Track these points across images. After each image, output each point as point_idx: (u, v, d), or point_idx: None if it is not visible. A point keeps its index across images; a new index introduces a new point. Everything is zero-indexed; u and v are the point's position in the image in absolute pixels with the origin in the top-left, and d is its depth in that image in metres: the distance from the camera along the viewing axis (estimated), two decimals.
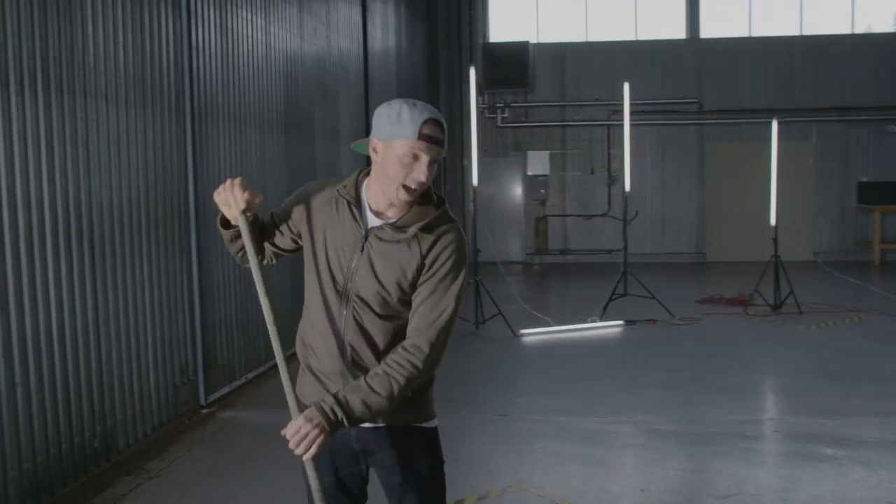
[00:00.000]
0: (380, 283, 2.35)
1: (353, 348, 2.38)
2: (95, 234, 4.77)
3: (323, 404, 2.25)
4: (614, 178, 15.88)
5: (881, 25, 15.96)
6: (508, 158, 16.13)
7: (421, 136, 2.20)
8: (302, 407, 2.34)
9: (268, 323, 2.45)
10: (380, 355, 2.37)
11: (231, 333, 6.58)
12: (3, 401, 3.98)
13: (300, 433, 2.22)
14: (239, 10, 6.76)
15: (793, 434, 5.44)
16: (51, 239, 4.35)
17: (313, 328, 2.46)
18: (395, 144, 2.24)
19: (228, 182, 2.35)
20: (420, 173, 2.22)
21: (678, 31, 15.91)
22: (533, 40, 15.87)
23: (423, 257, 2.31)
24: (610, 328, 9.25)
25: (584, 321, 9.38)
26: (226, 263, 6.48)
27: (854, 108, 15.45)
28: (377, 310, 2.36)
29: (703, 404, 6.14)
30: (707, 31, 15.82)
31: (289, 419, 2.31)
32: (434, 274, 2.32)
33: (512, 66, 15.37)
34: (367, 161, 2.38)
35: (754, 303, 10.28)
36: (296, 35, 8.18)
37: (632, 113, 10.87)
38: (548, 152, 15.89)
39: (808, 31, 15.62)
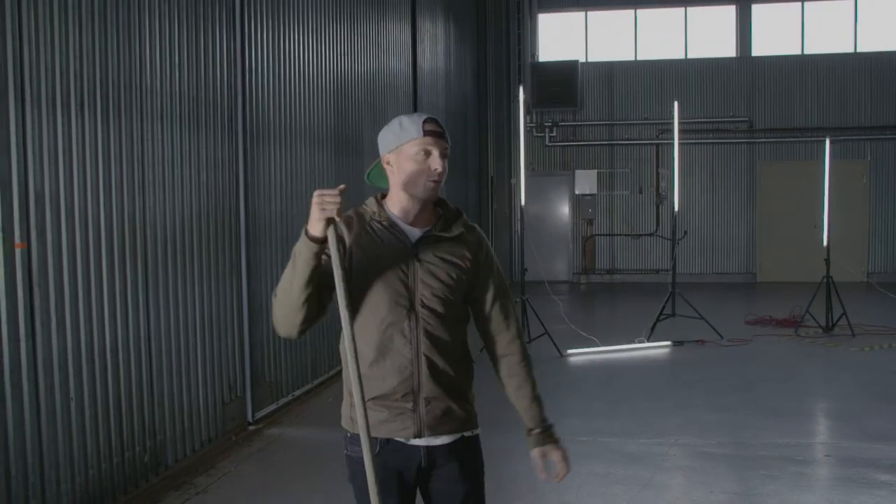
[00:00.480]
0: (442, 282, 2.45)
1: (427, 359, 2.44)
2: (149, 251, 4.87)
3: (553, 434, 2.73)
4: (662, 198, 15.77)
5: None
6: (556, 177, 16.10)
7: (425, 133, 2.40)
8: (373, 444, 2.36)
9: (355, 394, 2.27)
10: (452, 358, 2.48)
11: (278, 351, 6.65)
12: (58, 414, 4.08)
13: (567, 460, 2.74)
14: (291, 33, 6.88)
15: (845, 458, 5.32)
16: (106, 256, 4.46)
17: (375, 353, 2.43)
18: (405, 148, 2.42)
19: (329, 189, 2.25)
20: (436, 163, 2.41)
21: (729, 50, 15.77)
22: (582, 59, 15.86)
23: (473, 249, 2.51)
24: (657, 349, 9.15)
25: (632, 341, 9.30)
26: (273, 280, 6.57)
27: None
28: (443, 313, 2.45)
29: (753, 427, 6.03)
30: (759, 49, 15.65)
31: (333, 440, 2.39)
32: (491, 266, 2.56)
33: (560, 85, 15.38)
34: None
35: (805, 324, 10.10)
36: (346, 55, 8.29)
37: (681, 132, 10.80)
38: (595, 171, 15.85)
39: (861, 49, 15.37)
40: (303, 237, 2.26)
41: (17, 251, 3.85)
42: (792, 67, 15.46)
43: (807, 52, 15.53)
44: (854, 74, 15.27)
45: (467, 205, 14.28)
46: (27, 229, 3.90)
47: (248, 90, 6.10)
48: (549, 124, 15.95)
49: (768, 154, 15.64)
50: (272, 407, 6.44)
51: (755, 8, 15.61)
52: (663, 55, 15.82)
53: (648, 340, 9.34)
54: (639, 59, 15.97)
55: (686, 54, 15.84)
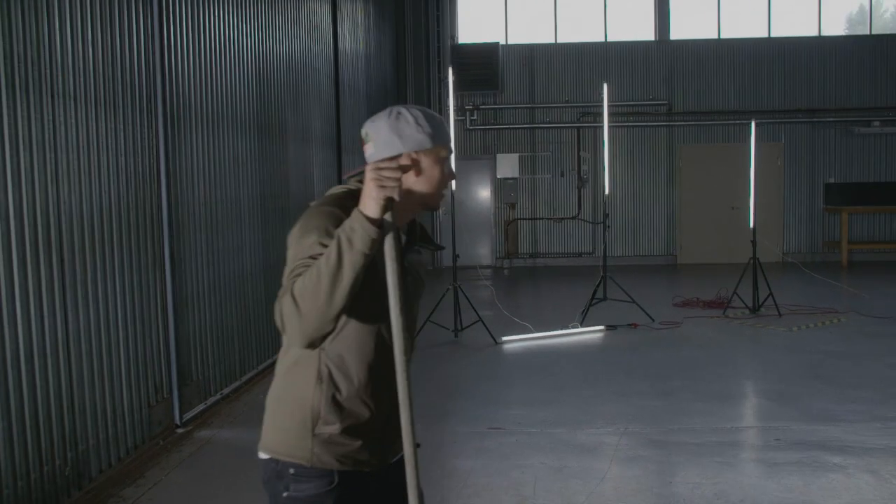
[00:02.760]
0: (418, 295, 2.30)
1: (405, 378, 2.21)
2: (64, 244, 4.44)
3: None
4: (584, 181, 15.78)
5: (837, 29, 16.06)
6: (477, 161, 15.92)
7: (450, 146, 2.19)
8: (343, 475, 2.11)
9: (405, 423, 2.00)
10: None
11: (205, 347, 6.26)
12: None
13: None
14: (211, 7, 6.44)
15: (796, 442, 5.28)
16: (16, 252, 4.02)
17: (367, 373, 2.11)
18: (437, 151, 2.14)
19: (387, 163, 1.93)
20: (452, 170, 2.21)
21: (648, 33, 15.84)
22: (502, 41, 15.69)
23: (424, 261, 2.39)
24: (592, 333, 9.07)
25: (565, 326, 9.19)
26: (199, 272, 6.17)
27: (821, 110, 15.52)
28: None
29: (699, 412, 5.95)
30: (677, 33, 15.77)
31: None
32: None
33: (481, 68, 15.17)
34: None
35: (733, 305, 10.19)
36: (267, 34, 7.88)
37: (602, 116, 10.71)
38: (517, 155, 15.74)
39: (775, 34, 15.65)
40: (359, 220, 1.86)
41: None
42: (709, 51, 15.63)
43: (723, 36, 15.72)
44: (768, 59, 15.53)
45: None
46: None
47: (167, 69, 5.66)
48: (470, 107, 15.74)
49: (687, 137, 15.80)
50: (201, 407, 6.05)
51: None
52: (584, 38, 15.78)
53: (582, 325, 9.25)
54: (559, 41, 15.90)
55: (606, 37, 15.84)
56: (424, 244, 2.29)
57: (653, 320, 9.51)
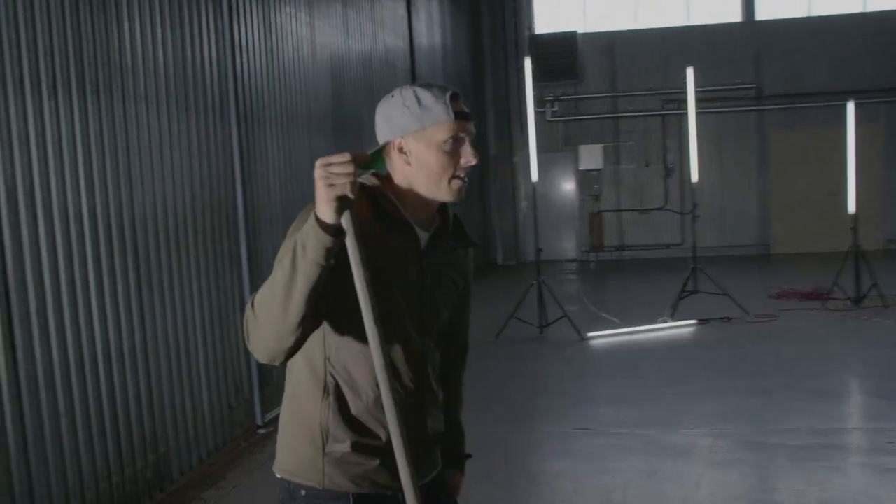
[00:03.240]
0: (447, 302, 2.00)
1: (428, 385, 1.97)
2: (140, 246, 4.41)
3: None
4: (671, 170, 15.30)
5: None
6: (559, 153, 15.60)
7: (457, 116, 1.83)
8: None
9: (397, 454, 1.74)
10: (438, 385, 2.02)
11: None
12: (46, 434, 3.63)
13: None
14: (282, 5, 6.38)
15: None
16: (91, 253, 4.00)
17: (374, 389, 1.84)
18: (429, 133, 1.83)
19: (337, 156, 1.61)
20: (470, 155, 1.85)
21: (734, 14, 15.24)
22: (580, 30, 15.32)
23: (468, 268, 2.09)
24: (682, 328, 8.71)
25: (654, 321, 8.85)
26: None
27: None
28: (435, 334, 2.00)
29: (800, 412, 5.59)
30: (764, 12, 15.13)
31: None
32: (470, 288, 2.12)
33: (560, 58, 14.83)
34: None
35: (833, 297, 9.65)
36: (341, 31, 7.80)
37: (687, 102, 10.29)
38: (600, 145, 15.35)
39: (871, 7, 14.85)
40: (312, 225, 1.61)
41: None
42: (800, 30, 14.93)
43: (814, 13, 15.01)
44: (865, 35, 14.74)
45: (469, 185, 13.80)
46: None
47: (238, 69, 5.61)
48: (550, 98, 15.42)
49: (779, 121, 15.14)
50: None
51: None
52: (665, 22, 15.28)
53: (672, 319, 8.90)
54: (640, 27, 15.44)
55: (689, 20, 15.31)
56: (456, 241, 1.99)
57: (747, 313, 9.08)
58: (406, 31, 10.47)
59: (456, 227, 1.99)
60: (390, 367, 1.73)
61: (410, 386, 1.90)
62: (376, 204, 1.85)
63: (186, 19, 5.01)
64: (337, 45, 7.63)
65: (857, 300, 9.41)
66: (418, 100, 1.82)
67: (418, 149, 1.83)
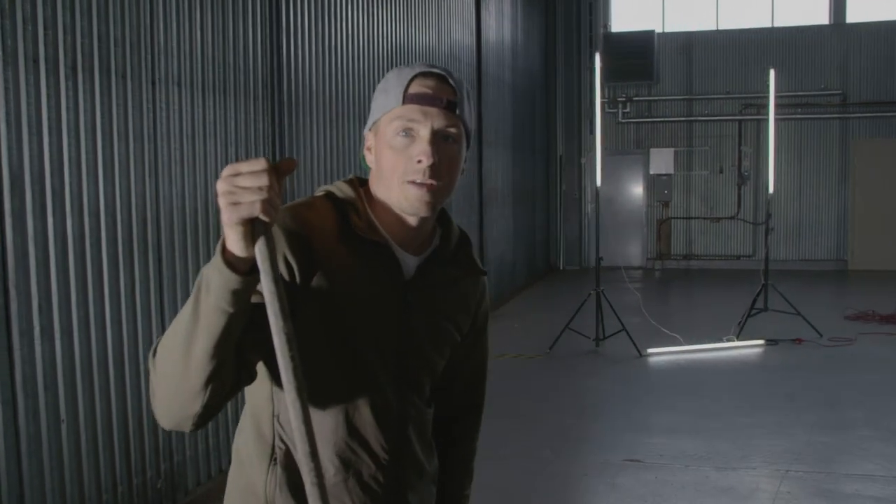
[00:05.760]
0: (438, 345, 1.56)
1: (408, 456, 1.54)
2: (163, 242, 4.13)
3: None
4: (745, 178, 14.62)
5: None
6: (629, 156, 15.04)
7: (407, 99, 1.40)
8: None
9: None
10: (430, 452, 1.62)
11: None
12: (44, 441, 3.37)
13: None
14: None
15: None
16: (108, 249, 3.73)
17: (337, 460, 1.46)
18: (381, 126, 1.44)
19: (248, 164, 1.14)
20: (419, 152, 1.39)
21: (821, 17, 14.46)
22: (658, 29, 14.72)
23: (476, 303, 1.62)
24: (749, 348, 8.15)
25: (719, 339, 8.31)
26: None
27: None
28: (427, 388, 1.57)
29: (880, 455, 5.04)
30: (854, 15, 14.30)
31: None
32: (485, 328, 1.69)
33: (635, 58, 14.26)
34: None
35: None
36: (403, 20, 7.46)
37: (767, 106, 9.68)
38: (672, 150, 14.73)
39: None
40: (216, 259, 1.19)
41: None
42: (892, 35, 14.07)
43: None
44: None
45: (534, 187, 13.41)
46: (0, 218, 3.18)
47: (284, 54, 5.31)
48: (623, 99, 14.86)
49: (864, 130, 14.31)
50: None
51: None
52: (747, 24, 14.58)
53: (738, 338, 8.35)
54: (720, 27, 14.76)
55: (773, 22, 14.58)
56: (457, 269, 1.56)
57: (820, 335, 8.47)
58: (474, 25, 10.10)
59: (458, 252, 1.57)
60: (343, 442, 1.38)
61: (383, 457, 1.48)
62: (345, 220, 1.43)
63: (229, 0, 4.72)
64: (397, 35, 7.30)
65: None
66: (386, 83, 1.44)
67: (377, 146, 1.44)
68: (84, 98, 3.59)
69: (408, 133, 1.40)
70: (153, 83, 4.06)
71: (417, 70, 1.42)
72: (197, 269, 4.39)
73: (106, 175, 3.72)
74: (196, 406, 1.26)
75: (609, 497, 4.45)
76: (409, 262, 1.49)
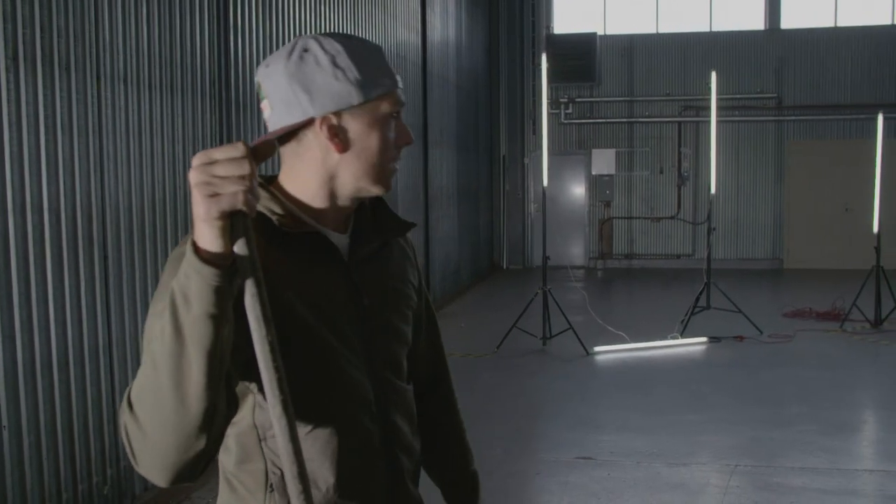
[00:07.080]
0: (401, 322, 1.52)
1: (400, 441, 1.49)
2: (109, 240, 4.01)
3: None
4: (685, 179, 14.87)
5: None
6: (572, 157, 15.17)
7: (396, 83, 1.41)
8: None
9: None
10: (414, 428, 1.56)
11: None
12: None
13: None
14: None
15: None
16: (52, 248, 3.60)
17: (335, 476, 1.39)
18: (373, 106, 1.37)
19: (224, 150, 1.07)
20: (407, 131, 1.43)
21: (757, 22, 14.79)
22: (600, 32, 14.89)
23: (414, 260, 1.61)
24: (693, 346, 8.28)
25: (663, 337, 8.43)
26: None
27: None
28: (403, 362, 1.53)
29: (824, 449, 5.17)
30: (789, 21, 14.67)
31: None
32: (422, 282, 1.64)
33: (577, 59, 14.39)
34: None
35: (851, 318, 9.21)
36: (349, 19, 7.39)
37: (707, 108, 9.86)
38: (614, 150, 14.92)
39: None
40: (190, 260, 1.09)
41: None
42: (825, 41, 14.46)
43: (841, 24, 14.54)
44: (890, 47, 14.28)
45: (478, 187, 13.43)
46: None
47: (232, 51, 5.21)
48: (565, 100, 14.99)
49: (798, 132, 14.68)
50: None
51: None
52: (687, 27, 14.84)
53: (682, 336, 8.48)
54: (661, 31, 15.00)
55: (711, 26, 14.86)
56: (387, 233, 1.51)
57: (761, 332, 8.66)
58: (419, 25, 10.07)
59: (377, 212, 1.52)
60: (341, 451, 1.33)
61: (379, 448, 1.44)
62: (267, 222, 1.34)
63: None
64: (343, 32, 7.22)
65: (877, 322, 8.97)
66: (355, 61, 1.34)
67: (360, 129, 1.36)
68: (26, 90, 3.47)
69: (396, 115, 1.40)
70: (98, 78, 3.94)
71: (380, 49, 1.42)
72: (144, 269, 4.28)
73: (49, 170, 3.60)
74: (200, 442, 1.14)
75: (563, 495, 4.46)
76: (342, 241, 1.44)
